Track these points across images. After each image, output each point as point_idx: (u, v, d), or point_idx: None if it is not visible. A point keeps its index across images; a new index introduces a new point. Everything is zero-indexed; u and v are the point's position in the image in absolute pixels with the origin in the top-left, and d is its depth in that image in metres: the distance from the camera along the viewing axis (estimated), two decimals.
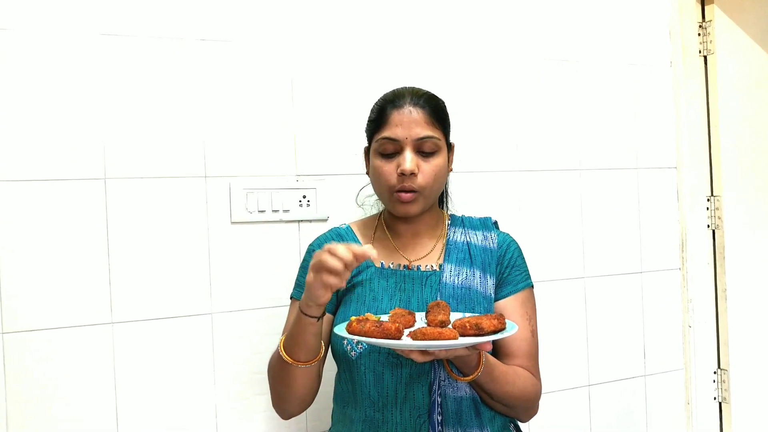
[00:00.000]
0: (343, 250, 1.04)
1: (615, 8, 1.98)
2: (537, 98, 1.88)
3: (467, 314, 1.18)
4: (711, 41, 2.03)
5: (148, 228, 1.49)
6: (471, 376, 1.14)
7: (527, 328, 1.28)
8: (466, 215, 1.41)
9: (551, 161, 1.89)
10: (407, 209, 1.24)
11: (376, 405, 1.20)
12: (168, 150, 1.50)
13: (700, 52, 2.05)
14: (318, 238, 1.38)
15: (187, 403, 1.52)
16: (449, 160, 1.31)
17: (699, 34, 2.05)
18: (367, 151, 1.32)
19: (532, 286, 1.33)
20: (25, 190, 1.40)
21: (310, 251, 1.34)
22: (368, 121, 1.30)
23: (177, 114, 1.51)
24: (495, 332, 1.05)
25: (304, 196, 1.61)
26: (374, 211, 1.46)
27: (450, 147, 1.32)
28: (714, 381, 2.06)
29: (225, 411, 1.55)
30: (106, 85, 1.46)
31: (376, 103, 1.30)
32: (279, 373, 1.20)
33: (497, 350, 1.26)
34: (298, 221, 1.62)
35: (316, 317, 1.11)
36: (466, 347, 1.03)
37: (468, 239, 1.33)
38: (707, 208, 2.06)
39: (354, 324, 1.05)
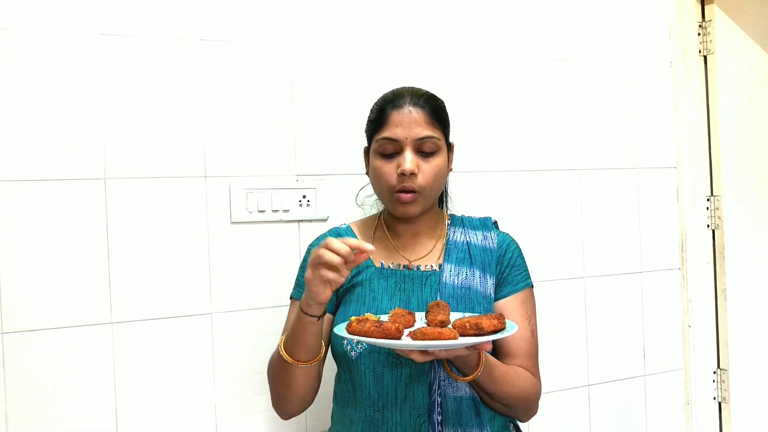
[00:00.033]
0: (339, 243, 1.05)
1: (615, 8, 1.98)
2: (537, 98, 1.88)
3: (467, 314, 1.18)
4: (711, 41, 2.03)
5: (147, 228, 1.49)
6: (471, 376, 1.14)
7: (527, 327, 1.28)
8: (466, 215, 1.41)
9: (551, 161, 1.89)
10: (407, 210, 1.24)
11: (375, 405, 1.20)
12: (168, 150, 1.50)
13: (699, 51, 2.05)
14: (318, 238, 1.38)
15: (186, 403, 1.52)
16: (449, 160, 1.31)
17: (699, 34, 2.05)
18: (366, 151, 1.32)
19: (532, 286, 1.33)
20: (25, 190, 1.40)
21: (310, 251, 1.34)
22: (368, 121, 1.30)
23: (177, 114, 1.51)
24: (495, 332, 1.05)
25: (304, 196, 1.61)
26: (374, 211, 1.46)
27: (450, 147, 1.32)
28: (713, 381, 2.06)
29: (225, 411, 1.55)
30: (106, 85, 1.46)
31: (375, 103, 1.30)
32: (279, 372, 1.20)
33: (497, 350, 1.26)
34: (298, 221, 1.62)
35: (316, 316, 1.11)
36: (466, 347, 1.03)
37: (468, 239, 1.33)
38: (707, 208, 2.06)
39: (354, 324, 1.05)
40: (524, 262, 1.34)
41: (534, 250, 1.78)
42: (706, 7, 2.05)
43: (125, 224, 1.47)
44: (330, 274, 1.06)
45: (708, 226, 2.06)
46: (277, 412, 1.28)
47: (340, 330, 1.09)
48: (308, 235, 1.60)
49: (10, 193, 1.39)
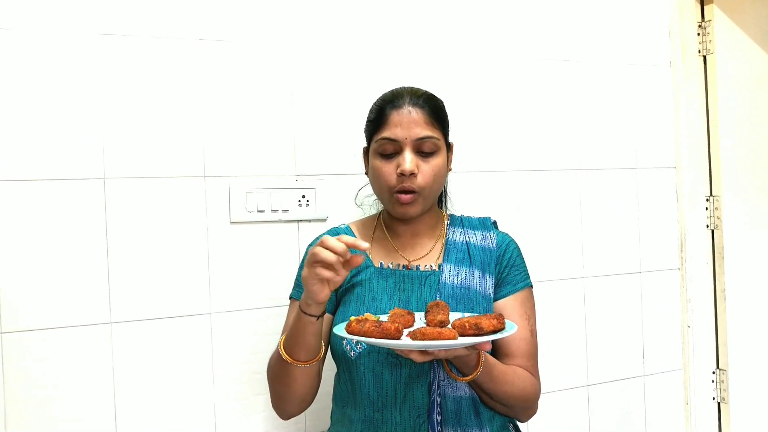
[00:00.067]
0: (334, 241, 1.05)
1: (614, 8, 1.98)
2: (536, 98, 1.87)
3: (466, 314, 1.18)
4: (710, 41, 2.03)
5: (147, 228, 1.49)
6: (470, 376, 1.14)
7: (526, 327, 1.28)
8: (465, 215, 1.41)
9: (550, 161, 1.89)
10: (407, 210, 1.24)
11: (375, 405, 1.20)
12: (167, 150, 1.50)
13: (699, 51, 2.05)
14: (317, 238, 1.38)
15: (186, 403, 1.52)
16: (448, 160, 1.31)
17: (698, 34, 2.05)
18: (366, 151, 1.32)
19: (531, 286, 1.33)
20: (24, 190, 1.39)
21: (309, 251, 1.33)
22: (367, 121, 1.30)
23: (176, 114, 1.51)
24: (494, 332, 1.05)
25: (304, 196, 1.61)
26: (373, 211, 1.46)
27: (449, 147, 1.32)
28: (713, 381, 2.06)
29: (224, 411, 1.55)
30: (105, 84, 1.46)
31: (374, 104, 1.30)
32: (279, 372, 1.20)
33: (496, 350, 1.26)
34: (298, 221, 1.61)
35: (315, 316, 1.11)
36: (466, 347, 1.03)
37: (467, 239, 1.33)
38: (706, 208, 2.06)
39: (353, 324, 1.05)
40: (523, 262, 1.34)
41: (533, 250, 1.78)
42: (705, 7, 2.05)
43: (124, 224, 1.47)
44: (326, 273, 1.06)
45: (707, 226, 2.06)
46: (277, 413, 1.28)
47: (340, 330, 1.09)
48: (307, 235, 1.60)
49: (9, 193, 1.38)
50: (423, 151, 1.23)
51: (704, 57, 2.05)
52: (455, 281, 1.27)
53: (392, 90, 1.30)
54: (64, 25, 1.42)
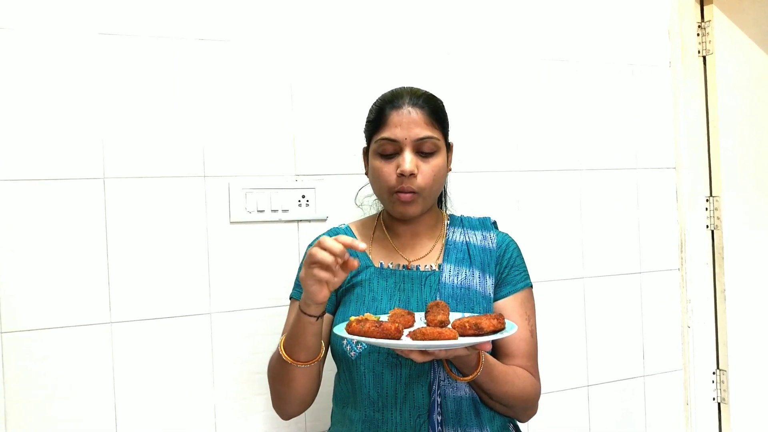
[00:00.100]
0: (332, 242, 1.05)
1: (614, 8, 1.98)
2: (536, 98, 1.87)
3: (466, 314, 1.18)
4: (710, 41, 2.03)
5: (146, 228, 1.49)
6: (470, 376, 1.14)
7: (526, 328, 1.28)
8: (465, 215, 1.41)
9: (550, 161, 1.89)
10: (407, 210, 1.24)
11: (375, 405, 1.20)
12: (167, 149, 1.50)
13: (699, 52, 2.05)
14: (317, 238, 1.37)
15: (186, 403, 1.52)
16: (448, 160, 1.31)
17: (698, 35, 2.05)
18: (365, 151, 1.32)
19: (531, 286, 1.33)
20: (23, 190, 1.39)
21: None
22: (367, 121, 1.30)
23: (176, 113, 1.51)
24: (494, 332, 1.05)
25: (303, 196, 1.61)
26: (373, 211, 1.46)
27: (449, 147, 1.32)
28: (713, 381, 2.06)
29: (224, 411, 1.55)
30: (105, 84, 1.46)
31: (374, 104, 1.30)
32: (279, 373, 1.20)
33: (496, 350, 1.26)
34: (297, 221, 1.61)
35: (315, 316, 1.11)
36: (466, 347, 1.03)
37: (467, 239, 1.33)
38: (706, 209, 2.06)
39: (353, 324, 1.05)
40: (523, 262, 1.34)
41: (533, 251, 1.78)
42: (705, 8, 2.05)
43: (124, 224, 1.47)
44: (323, 274, 1.05)
45: (707, 226, 2.06)
46: (277, 413, 1.28)
47: (340, 330, 1.09)
48: (307, 235, 1.60)
49: (9, 193, 1.38)
50: (423, 151, 1.23)
51: (704, 57, 2.06)
52: (455, 281, 1.27)
53: (392, 90, 1.30)
54: (64, 25, 1.42)
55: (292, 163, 1.61)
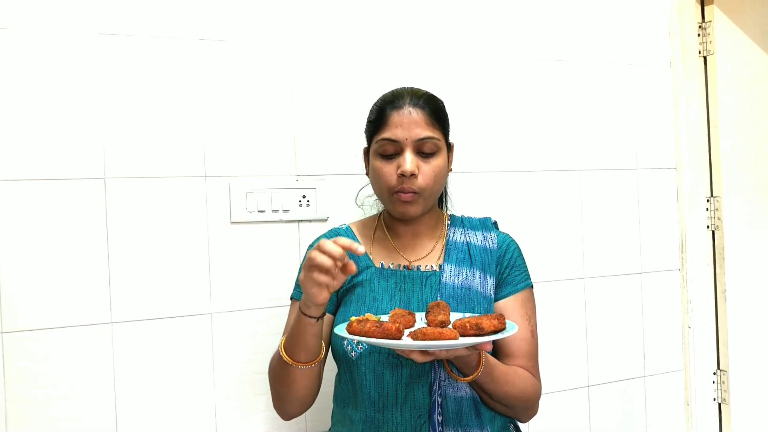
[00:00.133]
0: (331, 245, 1.04)
1: (614, 8, 1.98)
2: (536, 98, 1.87)
3: (467, 314, 1.18)
4: (711, 42, 2.03)
5: (147, 228, 1.49)
6: (471, 377, 1.14)
7: (527, 328, 1.28)
8: (466, 215, 1.41)
9: (551, 162, 1.89)
10: (407, 210, 1.24)
11: (376, 405, 1.20)
12: (168, 150, 1.50)
13: (699, 52, 2.05)
14: (317, 238, 1.38)
15: (186, 403, 1.52)
16: (449, 161, 1.31)
17: (698, 35, 2.05)
18: (366, 151, 1.32)
19: (532, 287, 1.33)
20: (24, 190, 1.39)
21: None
22: (367, 122, 1.30)
23: (177, 114, 1.51)
24: (495, 332, 1.05)
25: (304, 196, 1.61)
26: (374, 212, 1.46)
27: (449, 147, 1.32)
28: (713, 382, 2.05)
29: (224, 411, 1.55)
30: (105, 84, 1.46)
31: (375, 104, 1.30)
32: (279, 374, 1.20)
33: (497, 350, 1.26)
34: (298, 221, 1.61)
35: (315, 317, 1.11)
36: (467, 347, 1.03)
37: (468, 239, 1.33)
38: (707, 209, 2.06)
39: (354, 324, 1.05)
40: (524, 262, 1.34)
41: (534, 251, 1.78)
42: (705, 8, 2.05)
43: (125, 224, 1.47)
44: (322, 278, 1.05)
45: (708, 226, 2.06)
46: (278, 413, 1.28)
47: (341, 330, 1.09)
48: (308, 235, 1.59)
49: (9, 193, 1.38)
50: (423, 151, 1.23)
51: (704, 58, 2.05)
52: (456, 282, 1.27)
53: (392, 90, 1.30)
54: (65, 25, 1.42)
55: (293, 163, 1.61)
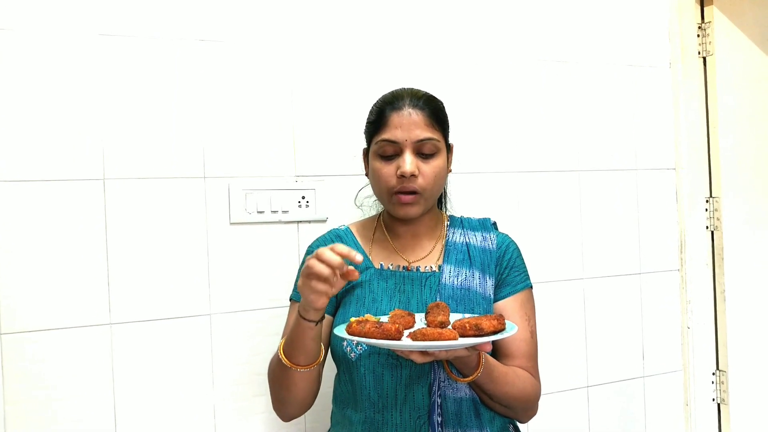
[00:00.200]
0: (330, 254, 1.04)
1: (614, 9, 1.98)
2: (536, 99, 1.88)
3: (467, 315, 1.18)
4: (710, 42, 2.03)
5: (146, 229, 1.48)
6: (470, 377, 1.14)
7: (526, 328, 1.28)
8: (465, 216, 1.41)
9: (550, 162, 1.89)
10: (408, 210, 1.24)
11: (375, 406, 1.20)
12: (167, 150, 1.50)
13: (699, 53, 2.05)
14: (317, 239, 1.38)
15: (185, 404, 1.52)
16: (449, 161, 1.31)
17: (698, 36, 2.05)
18: (366, 152, 1.32)
19: (531, 287, 1.33)
20: (23, 191, 1.39)
21: (309, 253, 1.33)
22: (367, 122, 1.30)
23: (176, 114, 1.51)
24: (495, 333, 1.05)
25: (303, 197, 1.61)
26: (373, 212, 1.46)
27: (449, 148, 1.32)
28: (713, 382, 2.06)
29: (224, 412, 1.55)
30: (105, 85, 1.46)
31: (374, 105, 1.29)
32: (279, 376, 1.20)
33: (496, 351, 1.26)
34: (297, 222, 1.61)
35: (314, 321, 1.11)
36: (466, 348, 1.03)
37: (467, 240, 1.33)
38: (706, 210, 2.06)
39: (354, 325, 1.05)
40: (523, 263, 1.34)
41: (533, 252, 1.78)
42: (705, 9, 2.05)
43: (124, 225, 1.47)
44: (321, 286, 1.05)
45: (707, 227, 2.06)
46: (278, 414, 1.28)
47: (340, 331, 1.09)
48: (307, 236, 1.59)
49: (8, 194, 1.38)
50: (423, 152, 1.23)
51: (704, 58, 2.06)
52: (455, 282, 1.27)
53: (392, 91, 1.30)
54: (64, 25, 1.42)
55: (292, 164, 1.61)
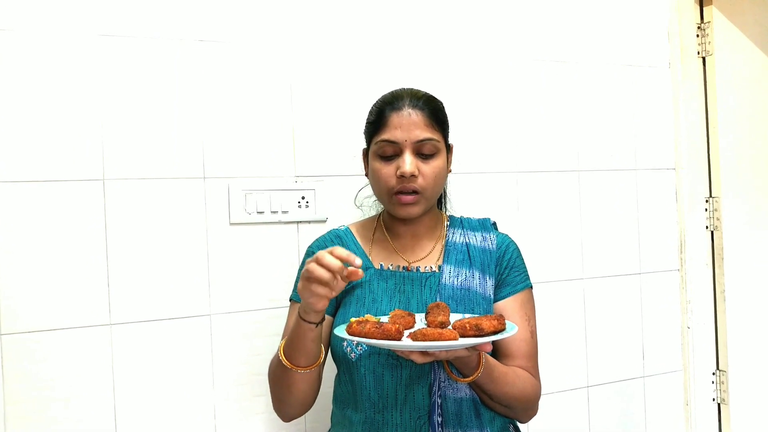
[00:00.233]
0: (330, 259, 1.04)
1: (613, 9, 1.98)
2: (536, 99, 1.88)
3: (467, 315, 1.18)
4: (710, 42, 2.03)
5: (146, 229, 1.48)
6: (471, 377, 1.14)
7: (527, 328, 1.28)
8: (465, 216, 1.41)
9: (550, 162, 1.89)
10: (409, 210, 1.24)
11: (376, 407, 1.20)
12: (167, 151, 1.50)
13: (698, 53, 2.05)
14: (317, 240, 1.38)
15: (185, 404, 1.52)
16: (448, 162, 1.31)
17: (697, 36, 2.05)
18: (365, 152, 1.32)
19: (531, 287, 1.33)
20: (23, 191, 1.39)
21: (309, 253, 1.33)
22: (367, 123, 1.30)
23: (176, 115, 1.51)
24: (495, 333, 1.05)
25: (303, 197, 1.61)
26: (373, 213, 1.45)
27: (449, 148, 1.32)
28: (713, 382, 2.06)
29: (224, 412, 1.55)
30: (105, 85, 1.46)
31: (374, 105, 1.29)
32: (279, 377, 1.20)
33: (497, 351, 1.26)
34: (297, 222, 1.61)
35: (314, 323, 1.11)
36: (466, 348, 1.03)
37: (467, 240, 1.33)
38: (706, 209, 2.06)
39: (354, 325, 1.05)
40: (523, 263, 1.34)
41: (533, 252, 1.78)
42: (704, 9, 2.05)
43: (124, 225, 1.47)
44: (321, 290, 1.05)
45: (707, 227, 2.06)
46: (278, 414, 1.28)
47: (341, 331, 1.09)
48: (307, 236, 1.59)
49: (8, 194, 1.38)
50: (423, 153, 1.23)
51: (703, 58, 2.06)
52: (455, 282, 1.27)
53: (392, 91, 1.30)
54: (64, 26, 1.42)
55: (292, 164, 1.61)
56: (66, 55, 1.43)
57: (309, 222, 1.62)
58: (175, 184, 1.51)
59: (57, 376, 1.41)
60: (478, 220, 1.39)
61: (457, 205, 1.51)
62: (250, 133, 1.57)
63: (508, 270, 1.30)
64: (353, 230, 1.37)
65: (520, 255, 1.34)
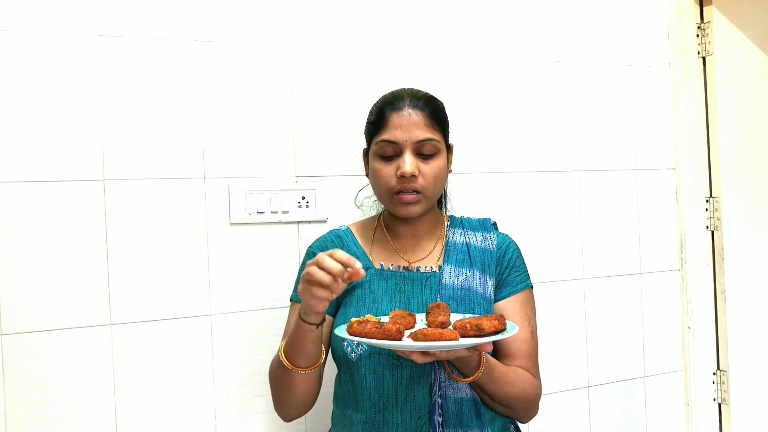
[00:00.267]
0: (330, 262, 1.04)
1: (613, 9, 1.98)
2: (536, 99, 1.88)
3: (467, 315, 1.18)
4: (710, 42, 2.03)
5: (146, 229, 1.48)
6: (471, 377, 1.14)
7: (527, 328, 1.28)
8: (465, 216, 1.41)
9: (550, 162, 1.89)
10: (410, 210, 1.24)
11: (376, 407, 1.20)
12: (167, 151, 1.50)
13: (698, 53, 2.05)
14: (317, 240, 1.38)
15: (186, 404, 1.52)
16: (449, 162, 1.31)
17: (697, 35, 2.05)
18: (366, 152, 1.32)
19: (532, 287, 1.33)
20: (23, 191, 1.39)
21: (309, 254, 1.33)
22: (367, 123, 1.30)
23: (176, 115, 1.51)
24: (495, 333, 1.05)
25: (303, 198, 1.61)
26: (373, 213, 1.45)
27: (449, 148, 1.32)
28: (713, 382, 2.06)
29: (224, 412, 1.55)
30: (105, 86, 1.46)
31: (374, 105, 1.29)
32: (280, 378, 1.20)
33: (497, 351, 1.26)
34: (297, 222, 1.61)
35: (315, 324, 1.11)
36: (467, 348, 1.03)
37: (467, 240, 1.33)
38: (706, 209, 2.06)
39: (354, 325, 1.05)
40: (524, 263, 1.34)
41: (533, 252, 1.78)
42: (704, 9, 2.05)
43: (124, 225, 1.47)
44: (321, 292, 1.05)
45: (707, 227, 2.06)
46: (278, 414, 1.28)
47: (341, 331, 1.09)
48: (307, 236, 1.59)
49: (9, 195, 1.38)
50: (423, 153, 1.23)
51: (703, 58, 2.06)
52: (456, 282, 1.27)
53: (392, 92, 1.29)
54: (64, 26, 1.42)
55: (292, 164, 1.61)
56: (66, 55, 1.43)
57: (309, 222, 1.62)
58: (175, 185, 1.51)
59: (58, 376, 1.41)
60: (479, 220, 1.39)
61: (457, 205, 1.51)
62: (250, 133, 1.57)
63: (508, 270, 1.30)
64: (353, 230, 1.37)
65: (521, 255, 1.34)
